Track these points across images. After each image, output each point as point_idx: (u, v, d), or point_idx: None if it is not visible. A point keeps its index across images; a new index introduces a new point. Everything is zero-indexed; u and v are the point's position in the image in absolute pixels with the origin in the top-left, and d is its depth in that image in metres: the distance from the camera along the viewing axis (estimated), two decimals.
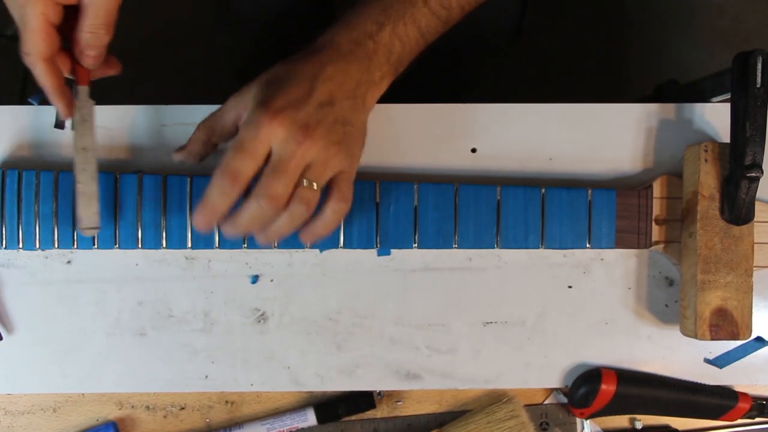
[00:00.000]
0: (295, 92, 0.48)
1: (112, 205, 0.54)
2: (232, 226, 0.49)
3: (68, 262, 0.57)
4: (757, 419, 0.61)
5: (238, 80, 1.02)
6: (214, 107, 0.58)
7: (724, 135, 0.59)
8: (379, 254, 0.58)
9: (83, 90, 0.51)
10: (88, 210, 0.51)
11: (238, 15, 0.85)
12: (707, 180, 0.54)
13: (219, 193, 0.47)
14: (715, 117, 0.59)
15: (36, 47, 0.47)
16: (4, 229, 0.54)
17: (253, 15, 0.84)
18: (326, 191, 0.50)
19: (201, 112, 0.58)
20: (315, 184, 0.48)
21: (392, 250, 0.58)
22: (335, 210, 0.50)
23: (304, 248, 0.56)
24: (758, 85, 0.51)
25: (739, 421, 0.61)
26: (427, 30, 0.53)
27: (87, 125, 0.52)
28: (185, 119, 0.58)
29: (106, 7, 0.48)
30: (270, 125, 0.46)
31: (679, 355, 0.59)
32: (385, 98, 0.54)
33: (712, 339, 0.54)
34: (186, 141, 0.54)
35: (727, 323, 0.54)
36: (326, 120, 0.48)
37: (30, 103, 0.57)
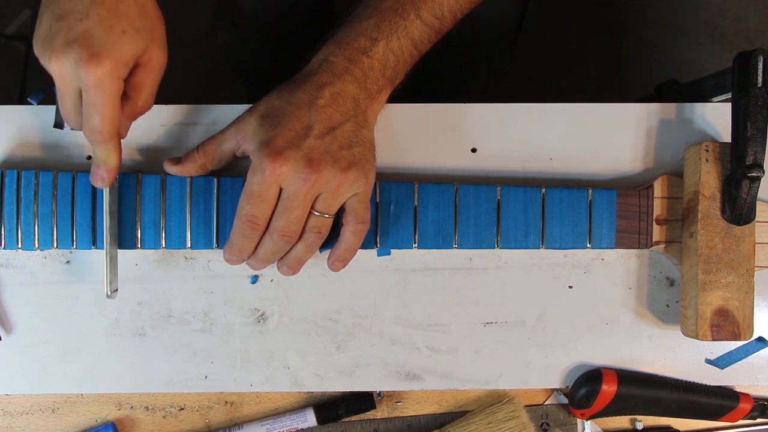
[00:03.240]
0: (294, 126, 0.48)
1: None
2: (255, 261, 0.52)
3: (67, 262, 0.57)
4: (759, 420, 0.61)
5: (239, 78, 1.02)
6: (213, 107, 0.58)
7: (725, 135, 0.58)
8: (379, 254, 0.58)
9: None
10: (115, 275, 0.53)
11: (241, 12, 0.85)
12: (708, 180, 0.54)
13: (241, 237, 0.50)
14: (715, 117, 0.59)
15: (113, 125, 0.47)
16: (3, 229, 0.54)
17: (256, 13, 0.84)
18: (344, 212, 0.51)
19: (201, 112, 0.58)
20: (326, 213, 0.50)
21: (392, 250, 0.58)
22: (354, 232, 0.52)
23: None
24: (759, 85, 0.51)
25: (741, 422, 0.60)
26: (421, 41, 0.53)
27: (115, 189, 0.53)
28: (185, 119, 0.58)
29: (156, 83, 0.50)
30: (274, 168, 0.47)
31: (680, 356, 0.59)
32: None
33: (713, 339, 0.54)
34: (183, 155, 0.55)
35: (729, 323, 0.54)
36: (330, 149, 0.49)
37: (29, 103, 0.56)
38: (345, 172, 0.49)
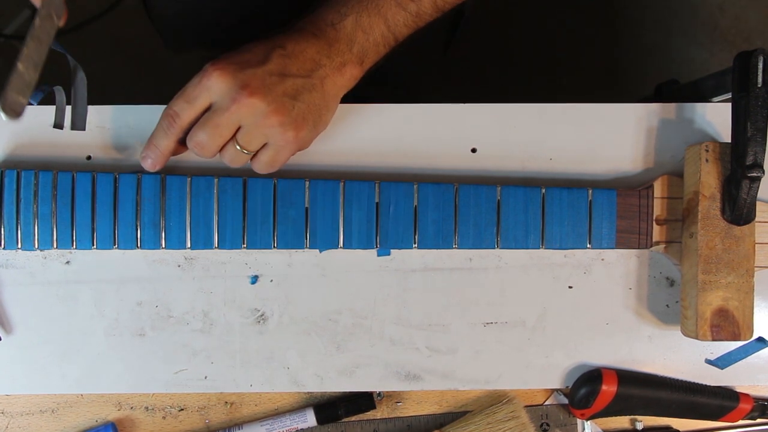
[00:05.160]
0: (247, 57, 0.49)
1: (111, 205, 0.54)
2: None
3: (67, 262, 0.57)
4: (759, 420, 0.61)
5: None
6: None
7: (725, 135, 0.58)
8: (379, 254, 0.58)
9: None
10: (18, 94, 0.46)
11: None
12: (708, 180, 0.54)
13: (160, 131, 0.51)
14: (716, 117, 0.59)
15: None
16: (2, 229, 0.54)
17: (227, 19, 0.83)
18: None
19: None
20: (245, 149, 0.50)
21: (392, 250, 0.58)
22: (256, 169, 0.52)
23: (303, 248, 0.56)
24: (759, 85, 0.51)
25: (741, 422, 0.60)
26: (395, 23, 0.53)
27: (52, 22, 0.49)
28: None
29: None
30: (210, 75, 0.48)
31: (680, 356, 0.59)
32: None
33: (713, 339, 0.54)
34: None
35: (729, 324, 0.54)
36: (273, 89, 0.49)
37: (29, 103, 0.56)
38: (274, 114, 0.49)
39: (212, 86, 0.48)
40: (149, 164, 0.52)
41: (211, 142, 0.50)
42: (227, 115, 0.48)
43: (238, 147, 0.50)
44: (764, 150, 0.52)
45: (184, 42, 0.85)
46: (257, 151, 0.51)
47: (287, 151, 0.52)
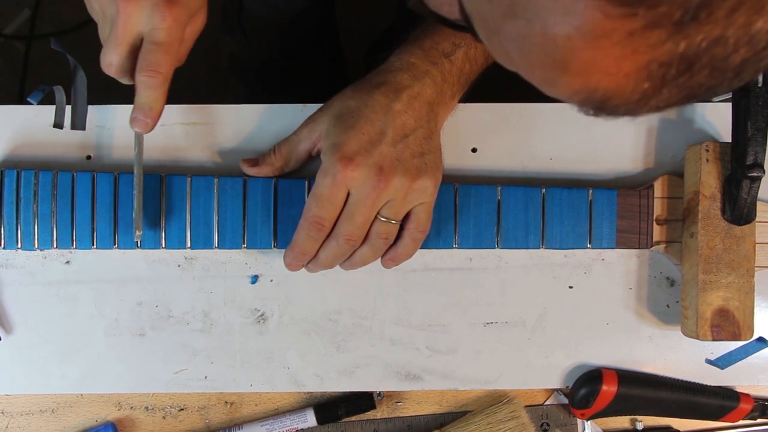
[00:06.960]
0: (368, 131, 0.49)
1: (111, 205, 0.54)
2: (315, 264, 0.52)
3: (67, 262, 0.57)
4: (759, 420, 0.61)
5: (242, 86, 1.02)
6: (213, 107, 0.58)
7: (726, 135, 0.58)
8: None
9: None
10: (138, 217, 0.52)
11: (250, 19, 0.85)
12: (708, 180, 0.54)
13: (306, 239, 0.50)
14: (716, 116, 0.59)
15: (170, 68, 0.48)
16: (2, 229, 0.54)
17: (264, 18, 0.84)
18: (406, 217, 0.51)
19: (201, 112, 0.58)
20: (392, 219, 0.50)
21: None
22: (413, 239, 0.52)
23: None
24: (760, 85, 0.51)
25: (741, 422, 0.60)
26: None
27: (142, 137, 0.52)
28: (185, 119, 0.58)
29: (193, 43, 0.51)
30: (344, 172, 0.48)
31: (680, 356, 0.59)
32: None
33: (714, 339, 0.54)
34: (260, 156, 0.55)
35: (729, 324, 0.54)
36: (402, 157, 0.49)
37: (29, 103, 0.56)
38: (414, 181, 0.49)
39: (347, 182, 0.48)
40: (296, 268, 0.52)
41: (361, 232, 0.50)
42: (370, 202, 0.48)
43: (384, 220, 0.50)
44: (764, 150, 0.52)
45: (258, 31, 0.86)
46: (411, 218, 0.51)
47: (434, 202, 0.52)
